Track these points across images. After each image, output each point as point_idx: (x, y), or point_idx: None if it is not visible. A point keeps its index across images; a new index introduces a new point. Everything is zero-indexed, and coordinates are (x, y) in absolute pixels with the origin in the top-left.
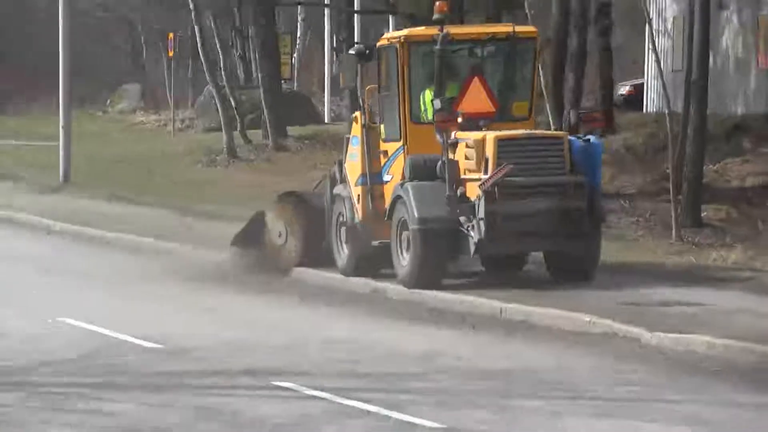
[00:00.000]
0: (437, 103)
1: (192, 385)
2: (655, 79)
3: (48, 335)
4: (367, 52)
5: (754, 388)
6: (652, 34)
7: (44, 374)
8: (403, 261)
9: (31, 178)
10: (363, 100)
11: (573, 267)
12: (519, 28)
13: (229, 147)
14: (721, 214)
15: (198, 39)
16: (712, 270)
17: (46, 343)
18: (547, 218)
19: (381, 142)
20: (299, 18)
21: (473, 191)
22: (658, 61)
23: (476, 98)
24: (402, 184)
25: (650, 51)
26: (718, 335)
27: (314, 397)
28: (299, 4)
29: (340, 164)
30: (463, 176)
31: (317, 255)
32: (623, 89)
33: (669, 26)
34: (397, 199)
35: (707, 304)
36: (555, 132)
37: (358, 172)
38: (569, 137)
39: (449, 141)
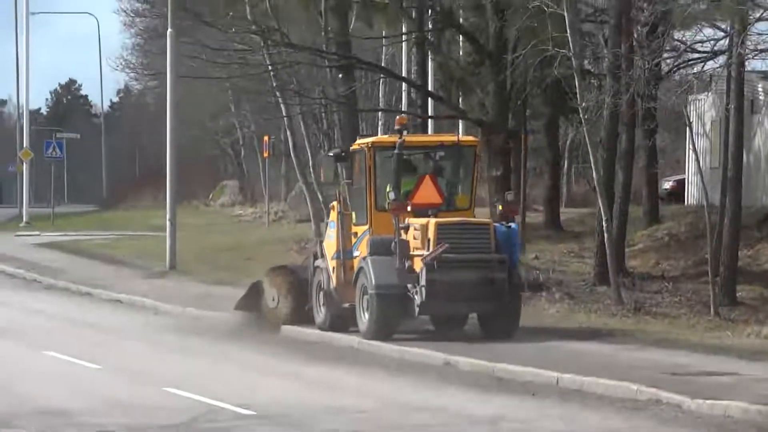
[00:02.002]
0: (392, 195)
1: None
2: (695, 175)
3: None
4: (343, 154)
5: None
6: (692, 135)
7: None
8: (364, 318)
9: (141, 265)
10: (339, 193)
11: (499, 326)
12: (462, 138)
13: (317, 235)
14: (754, 293)
15: (290, 141)
16: (747, 343)
17: (153, 409)
18: (476, 286)
19: (352, 225)
20: (380, 123)
21: (418, 264)
22: (697, 160)
23: (426, 193)
24: (364, 258)
25: (690, 150)
26: (753, 401)
27: None
28: (379, 110)
29: (320, 243)
30: (412, 253)
31: (303, 316)
32: (667, 184)
33: (707, 128)
34: (360, 270)
35: (742, 374)
36: (484, 219)
37: (334, 249)
38: (494, 224)
39: (401, 225)
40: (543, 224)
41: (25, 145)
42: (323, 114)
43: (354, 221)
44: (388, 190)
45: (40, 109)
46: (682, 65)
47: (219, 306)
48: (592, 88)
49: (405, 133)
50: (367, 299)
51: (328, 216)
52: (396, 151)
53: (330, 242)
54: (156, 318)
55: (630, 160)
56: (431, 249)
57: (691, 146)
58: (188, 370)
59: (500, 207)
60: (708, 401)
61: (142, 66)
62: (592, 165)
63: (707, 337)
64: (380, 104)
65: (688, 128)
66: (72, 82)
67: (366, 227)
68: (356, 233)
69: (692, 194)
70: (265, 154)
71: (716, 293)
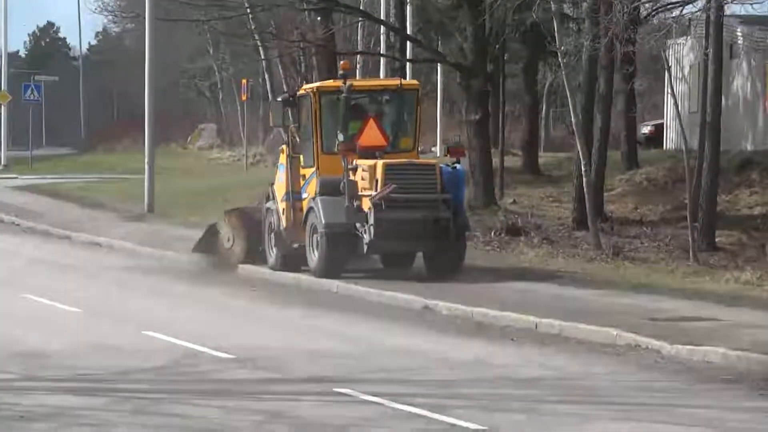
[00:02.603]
0: (340, 137)
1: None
2: (673, 120)
3: (133, 347)
4: (291, 98)
5: (764, 396)
6: (671, 80)
7: (129, 381)
8: (314, 257)
9: (120, 208)
10: (288, 136)
11: (444, 264)
12: (405, 82)
13: None
14: (732, 239)
15: (268, 84)
16: (726, 289)
17: (132, 353)
18: (422, 225)
19: (300, 168)
20: (358, 66)
21: (366, 204)
22: (676, 104)
23: (371, 135)
24: (314, 198)
25: (669, 95)
26: (732, 347)
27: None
28: (357, 53)
29: (271, 185)
30: (360, 193)
31: (258, 256)
32: (645, 129)
33: (686, 73)
34: (310, 209)
35: (722, 320)
36: (429, 160)
37: (284, 190)
38: (440, 165)
39: (350, 166)
40: (521, 168)
41: (2, 88)
42: (301, 57)
43: (302, 163)
44: (338, 131)
45: (18, 51)
46: (660, 9)
47: None
48: (571, 32)
49: (349, 77)
50: (317, 238)
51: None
52: (344, 94)
53: (280, 184)
54: (134, 261)
55: (608, 105)
56: (379, 189)
57: (669, 91)
58: (166, 314)
59: (447, 148)
60: (687, 347)
61: (119, 8)
62: (571, 109)
63: (686, 283)
64: (359, 47)
65: (666, 72)
66: (50, 24)
67: (313, 169)
68: (304, 175)
69: (671, 139)
70: (243, 98)
71: (695, 238)
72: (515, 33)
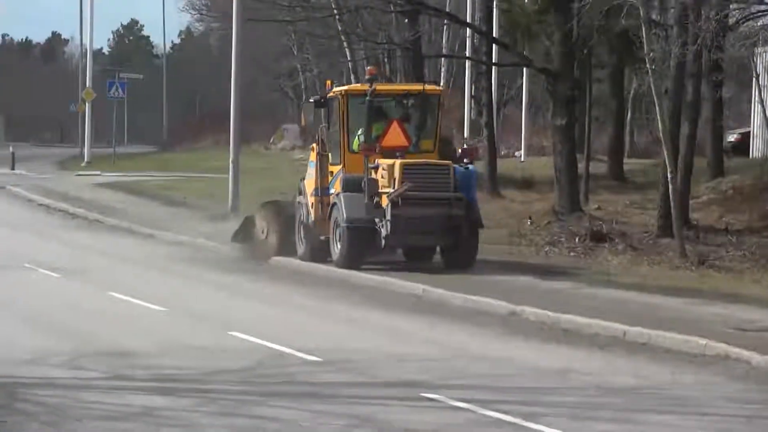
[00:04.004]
0: (362, 138)
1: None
2: (760, 128)
3: (219, 347)
4: (322, 100)
5: None
6: (759, 87)
7: (215, 382)
8: (336, 249)
9: (203, 207)
10: (318, 135)
11: (458, 259)
12: (427, 87)
13: None
14: None
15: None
16: None
17: (218, 354)
18: (435, 221)
19: (329, 165)
20: (443, 69)
21: (385, 201)
22: (764, 112)
23: (394, 136)
24: (337, 195)
25: (757, 103)
26: None
27: None
28: (443, 56)
29: (302, 181)
30: (380, 190)
31: (290, 248)
32: (732, 137)
33: None
34: (333, 205)
35: None
36: (444, 161)
37: (313, 186)
38: (454, 165)
39: (371, 165)
40: (606, 174)
41: (87, 85)
42: (387, 59)
43: (330, 161)
44: (359, 133)
45: (102, 49)
46: (749, 17)
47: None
48: (659, 38)
49: (375, 82)
50: (339, 232)
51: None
52: (367, 98)
53: (310, 180)
54: (218, 260)
55: (695, 112)
56: (396, 187)
57: (757, 98)
58: (251, 314)
59: (459, 150)
60: None
61: (206, 7)
62: (658, 116)
63: None
64: (444, 50)
65: (754, 80)
66: (134, 22)
67: (340, 167)
68: (332, 172)
69: (757, 147)
70: None
71: None
72: (603, 38)
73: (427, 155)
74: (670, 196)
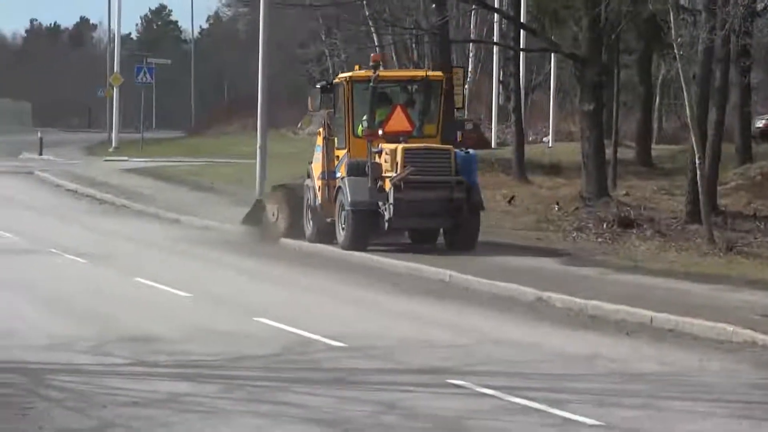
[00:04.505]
0: (365, 123)
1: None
2: None
3: (244, 333)
4: (328, 86)
5: None
6: None
7: (241, 368)
8: (341, 231)
9: (230, 192)
10: (324, 120)
11: (459, 240)
12: (430, 73)
13: None
14: None
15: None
16: None
17: (243, 340)
18: (437, 204)
19: (335, 149)
20: (471, 54)
21: (388, 184)
22: None
23: (398, 121)
24: (342, 178)
25: None
26: None
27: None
28: (471, 41)
29: (310, 165)
30: (383, 174)
31: (299, 231)
32: (760, 123)
33: None
34: (338, 188)
35: None
36: (445, 146)
37: (320, 170)
38: (455, 150)
39: (375, 150)
40: (634, 160)
41: (115, 70)
42: (414, 45)
43: (336, 146)
44: (364, 118)
45: (130, 34)
46: None
47: None
48: (687, 23)
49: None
50: (344, 214)
51: None
52: (371, 84)
53: (317, 164)
54: (245, 245)
55: (723, 98)
56: (399, 171)
57: None
58: (275, 299)
59: (460, 135)
60: None
61: None
62: (686, 101)
63: None
64: (472, 35)
65: None
66: (162, 7)
67: (345, 151)
68: (338, 156)
69: None
70: None
71: None
72: (631, 23)
73: (430, 140)
74: (698, 182)
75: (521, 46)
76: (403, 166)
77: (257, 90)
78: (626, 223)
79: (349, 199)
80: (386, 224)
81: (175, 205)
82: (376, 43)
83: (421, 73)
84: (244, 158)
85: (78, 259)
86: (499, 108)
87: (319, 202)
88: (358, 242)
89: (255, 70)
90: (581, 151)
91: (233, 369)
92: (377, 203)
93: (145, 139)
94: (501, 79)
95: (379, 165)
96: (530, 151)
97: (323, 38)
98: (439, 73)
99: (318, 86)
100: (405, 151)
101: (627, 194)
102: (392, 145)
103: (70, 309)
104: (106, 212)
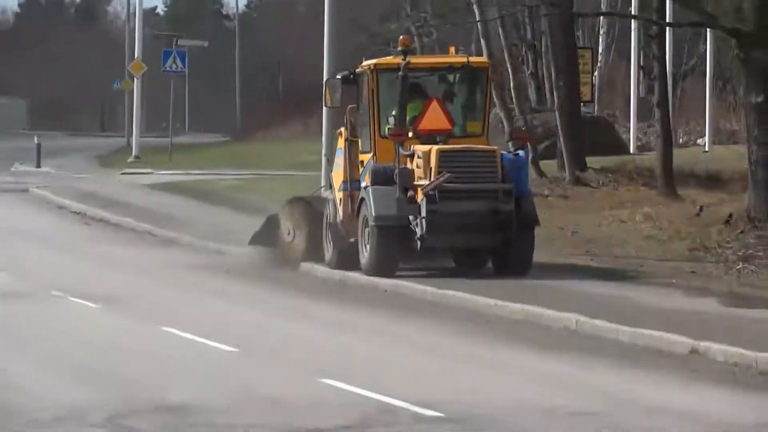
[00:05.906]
0: (391, 120)
1: None
2: None
3: (308, 399)
4: (351, 76)
5: None
6: None
7: None
8: (365, 252)
9: None
10: (346, 118)
11: (509, 263)
12: (473, 59)
13: None
14: None
15: (484, 52)
16: None
17: (308, 408)
18: (479, 218)
19: (359, 153)
20: (601, 31)
21: (420, 195)
22: None
23: (434, 118)
24: (365, 188)
25: None
26: None
27: None
28: (602, 14)
29: (330, 173)
30: (415, 182)
31: (320, 251)
32: None
33: None
34: (361, 200)
35: None
36: (489, 147)
37: (341, 179)
38: (501, 151)
39: (407, 153)
40: None
41: (136, 55)
42: (528, 19)
43: (360, 149)
44: (392, 114)
45: (155, 8)
46: None
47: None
48: None
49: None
50: (368, 231)
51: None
52: (400, 72)
53: (338, 171)
54: (308, 287)
55: None
56: (433, 178)
57: None
58: (345, 354)
59: (509, 133)
60: None
61: None
62: None
63: None
64: (602, 7)
65: None
66: None
67: (371, 155)
68: (363, 161)
69: None
70: None
71: None
72: None
73: (474, 140)
74: None
75: (668, 21)
76: (438, 172)
77: (321, 81)
78: None
79: (374, 213)
80: (419, 243)
81: (216, 232)
82: (478, 18)
83: (462, 59)
84: (305, 169)
85: (87, 303)
86: (640, 101)
87: (341, 217)
88: (384, 266)
89: (318, 55)
90: (747, 156)
91: None
92: (407, 218)
93: (176, 145)
94: (641, 64)
95: (411, 171)
96: (680, 156)
97: (409, 12)
98: (484, 59)
99: (339, 77)
100: (440, 153)
101: None
102: (425, 147)
103: (80, 369)
104: (123, 241)
